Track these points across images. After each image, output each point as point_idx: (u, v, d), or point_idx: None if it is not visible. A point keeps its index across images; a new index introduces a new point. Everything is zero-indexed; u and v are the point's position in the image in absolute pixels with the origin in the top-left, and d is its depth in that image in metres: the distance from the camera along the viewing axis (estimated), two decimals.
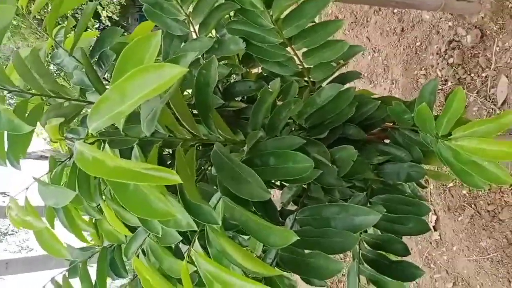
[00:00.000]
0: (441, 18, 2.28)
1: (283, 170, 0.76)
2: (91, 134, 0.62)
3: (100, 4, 7.34)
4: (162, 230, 0.72)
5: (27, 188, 0.79)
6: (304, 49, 0.93)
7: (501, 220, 1.94)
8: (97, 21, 8.62)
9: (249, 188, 0.71)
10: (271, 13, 0.88)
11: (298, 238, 0.64)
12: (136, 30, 1.16)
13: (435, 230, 2.33)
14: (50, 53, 1.14)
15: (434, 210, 2.33)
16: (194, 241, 0.68)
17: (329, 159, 0.87)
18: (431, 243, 2.36)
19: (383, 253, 0.97)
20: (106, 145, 0.61)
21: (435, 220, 2.33)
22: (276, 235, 0.65)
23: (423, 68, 2.43)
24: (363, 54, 3.10)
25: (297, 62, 0.97)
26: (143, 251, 0.89)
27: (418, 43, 2.48)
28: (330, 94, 0.92)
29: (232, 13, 1.00)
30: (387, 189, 1.12)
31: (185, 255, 0.70)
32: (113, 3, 7.70)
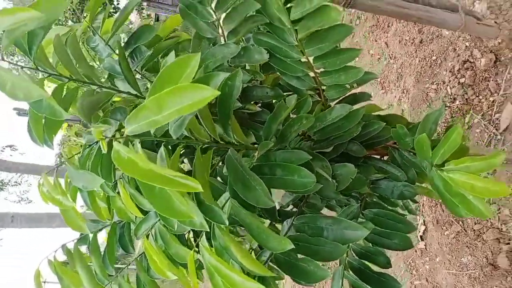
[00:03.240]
0: (459, 37, 2.32)
1: (288, 181, 0.84)
2: (125, 134, 0.70)
3: None
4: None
5: (57, 167, 0.87)
6: (322, 69, 1.00)
7: (485, 240, 2.03)
8: None
9: (256, 195, 0.79)
10: (297, 32, 0.95)
11: (293, 247, 0.73)
12: (167, 22, 1.23)
13: (422, 240, 2.43)
14: (83, 35, 1.21)
15: (424, 221, 2.43)
16: (202, 235, 0.77)
17: (331, 174, 0.95)
18: (416, 251, 2.47)
19: (367, 263, 1.06)
20: (138, 145, 0.69)
21: (423, 231, 2.42)
22: (275, 241, 0.74)
23: (434, 83, 2.49)
24: (379, 58, 3.14)
25: (314, 78, 1.04)
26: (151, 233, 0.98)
27: (434, 57, 2.52)
28: (340, 113, 0.99)
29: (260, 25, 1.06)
30: (379, 203, 1.21)
31: (194, 244, 0.80)
32: None
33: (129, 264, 1.04)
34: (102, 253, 1.08)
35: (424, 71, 2.58)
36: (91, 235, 1.14)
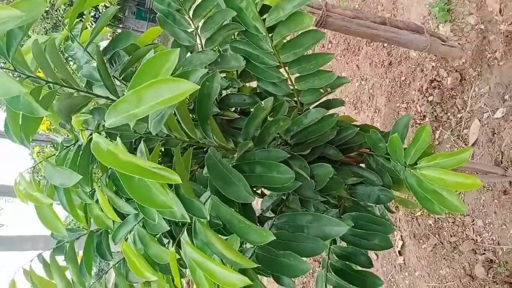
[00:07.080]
0: (426, 58, 2.44)
1: (267, 178, 0.86)
2: (104, 126, 0.70)
3: None
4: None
5: (33, 167, 0.86)
6: (297, 74, 1.04)
7: (461, 252, 2.07)
8: (93, 9, 8.65)
9: (237, 190, 0.80)
10: (272, 38, 0.99)
11: (275, 238, 0.73)
12: (145, 33, 1.25)
13: (400, 255, 2.45)
14: (63, 44, 1.21)
15: (401, 236, 2.46)
16: (183, 231, 0.77)
17: (309, 174, 0.97)
18: (395, 266, 2.48)
19: (349, 263, 1.07)
20: (118, 139, 0.69)
21: (401, 246, 2.45)
22: (256, 233, 0.75)
23: (405, 102, 2.58)
24: (351, 80, 3.24)
25: (289, 84, 1.08)
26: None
27: (403, 78, 2.63)
28: (316, 117, 1.02)
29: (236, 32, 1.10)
30: (357, 208, 1.23)
31: (172, 244, 0.79)
32: None
33: (106, 273, 1.01)
34: (80, 262, 1.05)
35: (395, 91, 2.68)
36: (67, 244, 1.11)
